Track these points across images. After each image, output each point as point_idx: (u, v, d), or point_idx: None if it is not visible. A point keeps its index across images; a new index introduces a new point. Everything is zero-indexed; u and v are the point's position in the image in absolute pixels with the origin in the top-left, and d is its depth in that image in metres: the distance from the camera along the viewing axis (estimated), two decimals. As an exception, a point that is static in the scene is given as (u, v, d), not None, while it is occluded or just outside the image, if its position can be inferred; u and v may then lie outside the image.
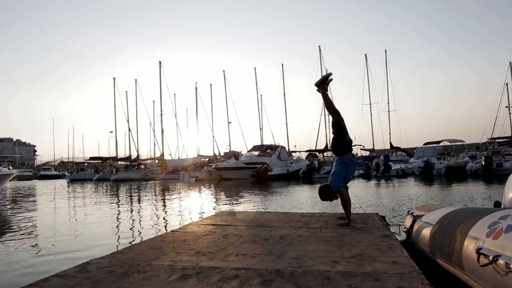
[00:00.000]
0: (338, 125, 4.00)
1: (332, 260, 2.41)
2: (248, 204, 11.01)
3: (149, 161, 46.69)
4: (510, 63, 38.28)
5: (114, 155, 47.13)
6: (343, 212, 3.99)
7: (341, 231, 3.52)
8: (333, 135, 4.07)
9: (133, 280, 2.11)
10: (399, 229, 4.59)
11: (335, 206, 9.29)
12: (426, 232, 3.05)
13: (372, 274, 2.08)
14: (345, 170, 3.93)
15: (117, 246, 5.22)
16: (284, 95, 42.31)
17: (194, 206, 11.53)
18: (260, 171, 26.69)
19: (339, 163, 3.96)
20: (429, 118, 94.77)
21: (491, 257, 1.96)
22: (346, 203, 3.86)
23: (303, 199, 11.23)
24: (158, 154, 44.63)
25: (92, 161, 52.29)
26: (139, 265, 2.43)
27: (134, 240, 5.66)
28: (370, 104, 41.67)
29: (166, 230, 6.41)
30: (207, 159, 40.75)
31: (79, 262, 2.56)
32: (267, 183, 22.26)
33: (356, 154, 45.63)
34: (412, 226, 3.50)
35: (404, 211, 7.31)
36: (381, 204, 9.55)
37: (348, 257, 2.48)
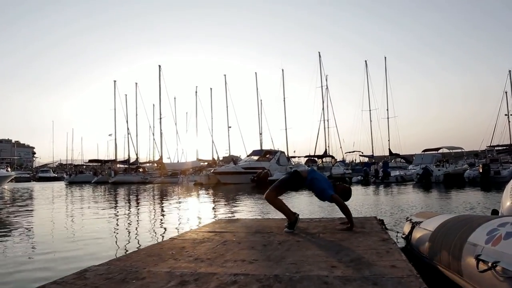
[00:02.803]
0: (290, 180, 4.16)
1: (330, 265, 2.40)
2: (247, 209, 10.98)
3: (148, 164, 46.70)
4: (510, 71, 38.54)
5: (113, 158, 47.20)
6: (343, 217, 4.02)
7: (339, 236, 3.52)
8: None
9: (131, 287, 2.10)
10: (397, 235, 4.58)
11: (334, 211, 9.28)
12: (425, 238, 3.05)
13: (370, 278, 2.07)
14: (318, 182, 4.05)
15: (115, 253, 5.19)
16: (284, 100, 42.50)
17: (193, 212, 11.47)
18: (261, 175, 26.66)
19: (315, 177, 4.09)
20: (428, 125, 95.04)
21: (490, 263, 1.97)
22: (345, 207, 3.93)
23: (302, 205, 11.21)
24: (157, 158, 44.74)
25: (91, 164, 52.24)
26: (138, 272, 2.41)
27: (132, 247, 5.62)
28: (370, 110, 41.86)
29: (164, 237, 6.38)
30: (206, 163, 40.73)
31: (77, 269, 2.55)
32: (267, 188, 22.14)
33: (355, 160, 45.87)
34: (410, 232, 3.50)
35: (402, 218, 7.31)
36: (380, 210, 9.54)
37: (346, 262, 2.48)
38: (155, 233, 7.29)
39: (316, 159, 36.09)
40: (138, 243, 6.02)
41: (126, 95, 46.14)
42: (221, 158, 41.19)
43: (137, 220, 9.58)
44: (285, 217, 4.12)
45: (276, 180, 4.46)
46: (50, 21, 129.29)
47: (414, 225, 3.52)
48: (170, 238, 3.87)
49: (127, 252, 3.52)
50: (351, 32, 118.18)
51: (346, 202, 4.01)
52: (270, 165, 30.68)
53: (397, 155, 39.25)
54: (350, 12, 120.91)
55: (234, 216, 9.18)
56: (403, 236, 3.77)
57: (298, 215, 4.07)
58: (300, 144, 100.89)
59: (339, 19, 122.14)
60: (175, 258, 2.79)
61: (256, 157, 32.90)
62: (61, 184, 38.22)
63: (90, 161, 52.24)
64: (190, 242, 3.49)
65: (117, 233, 7.26)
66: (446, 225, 2.86)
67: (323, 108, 40.42)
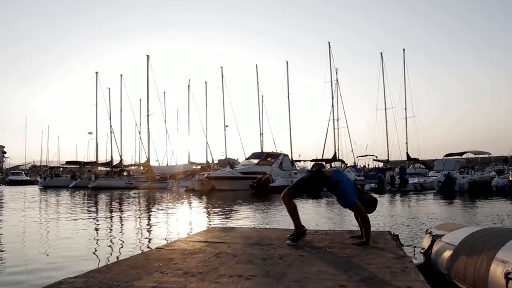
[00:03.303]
0: (308, 180, 4.10)
1: (338, 284, 2.40)
2: (245, 219, 10.98)
3: (133, 167, 46.74)
4: (545, 66, 38.65)
5: (93, 159, 47.24)
6: (352, 230, 4.00)
7: (348, 251, 3.51)
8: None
9: (110, 302, 2.09)
10: (414, 250, 4.58)
11: (343, 223, 9.27)
12: (447, 253, 3.04)
13: (383, 301, 2.06)
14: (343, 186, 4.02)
15: (94, 264, 5.18)
16: (288, 96, 42.63)
17: (183, 220, 11.50)
18: (261, 181, 26.71)
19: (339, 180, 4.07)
20: (451, 127, 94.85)
21: (521, 283, 1.95)
22: (367, 219, 3.93)
23: (306, 215, 11.21)
24: (143, 160, 44.78)
25: (69, 166, 52.34)
26: (119, 285, 2.40)
27: (114, 257, 5.62)
28: (386, 109, 42.00)
29: (150, 247, 6.37)
30: (199, 167, 40.81)
31: (52, 281, 2.54)
32: (267, 195, 22.25)
33: (368, 165, 45.83)
34: (431, 247, 3.50)
35: (422, 231, 7.30)
36: (395, 223, 9.54)
37: (356, 281, 2.47)
38: (140, 242, 7.30)
39: (324, 163, 36.12)
40: (121, 253, 6.02)
41: (109, 88, 46.23)
42: (216, 161, 41.38)
43: (120, 229, 9.60)
44: (287, 228, 4.10)
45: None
46: (23, 4, 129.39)
47: (434, 238, 3.52)
48: (156, 248, 3.87)
49: (107, 263, 3.51)
50: (365, 20, 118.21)
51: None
52: (272, 170, 30.70)
53: (416, 160, 39.28)
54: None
55: (229, 225, 9.19)
56: (422, 251, 3.76)
57: (306, 229, 4.06)
58: (306, 147, 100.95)
59: (352, 5, 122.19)
60: (161, 271, 2.78)
61: (256, 161, 32.93)
62: (35, 189, 38.22)
63: (68, 162, 52.29)
64: (179, 253, 3.49)
65: (98, 243, 7.27)
66: (472, 238, 2.85)
67: (332, 106, 40.60)
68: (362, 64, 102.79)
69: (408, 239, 6.82)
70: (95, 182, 37.90)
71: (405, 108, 41.15)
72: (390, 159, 41.06)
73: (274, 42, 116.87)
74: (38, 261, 5.57)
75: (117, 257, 5.47)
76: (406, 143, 40.81)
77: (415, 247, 4.87)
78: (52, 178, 46.37)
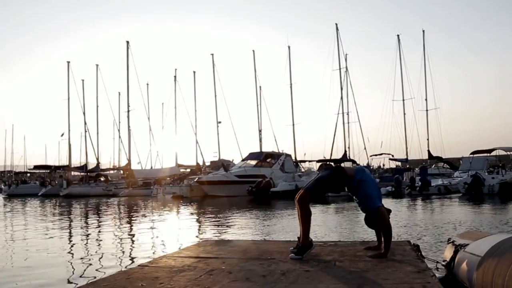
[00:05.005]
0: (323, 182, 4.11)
1: (350, 303, 2.42)
2: (242, 230, 11.01)
3: (111, 171, 46.68)
4: None
5: (66, 163, 47.18)
6: (367, 240, 4.03)
7: (361, 265, 3.53)
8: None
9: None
10: (437, 264, 4.62)
11: (354, 233, 9.30)
12: (473, 265, 3.07)
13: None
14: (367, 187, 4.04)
15: (68, 285, 5.20)
16: (291, 86, 42.55)
17: (170, 233, 11.51)
18: (260, 186, 26.72)
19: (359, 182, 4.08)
20: (480, 120, 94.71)
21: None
22: (389, 227, 3.95)
23: (312, 225, 11.27)
24: (123, 163, 44.71)
25: (37, 171, 52.23)
26: (96, 307, 2.43)
27: (90, 277, 5.64)
28: (403, 100, 41.88)
29: (132, 263, 6.41)
30: (188, 170, 40.82)
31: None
32: (268, 202, 22.27)
33: (383, 165, 45.86)
34: (453, 258, 3.53)
35: (445, 241, 7.35)
36: (416, 232, 9.60)
37: (370, 299, 2.50)
38: (121, 259, 7.32)
39: (332, 164, 36.16)
40: (98, 271, 6.04)
41: (83, 80, 46.10)
42: (207, 163, 41.27)
43: (98, 243, 9.62)
44: (290, 240, 4.11)
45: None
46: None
47: (457, 248, 3.55)
48: (139, 266, 3.89)
49: (82, 284, 3.53)
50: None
51: None
52: (272, 172, 30.73)
53: (439, 159, 39.29)
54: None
55: (223, 237, 9.21)
56: (444, 262, 3.79)
57: (312, 241, 4.06)
58: (311, 145, 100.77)
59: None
60: (145, 292, 2.80)
61: (254, 162, 32.98)
62: (-2, 198, 38.23)
63: (36, 167, 52.15)
64: (166, 270, 3.50)
65: (72, 260, 7.28)
66: (500, 248, 2.88)
67: (341, 98, 40.62)
68: (376, 48, 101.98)
69: (431, 250, 6.86)
70: (68, 189, 37.92)
71: (426, 99, 41.12)
72: (409, 158, 41.11)
73: (273, 24, 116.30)
74: (4, 280, 5.59)
75: (94, 277, 5.48)
76: (428, 139, 40.80)
77: (437, 262, 4.91)
78: (18, 186, 46.28)
